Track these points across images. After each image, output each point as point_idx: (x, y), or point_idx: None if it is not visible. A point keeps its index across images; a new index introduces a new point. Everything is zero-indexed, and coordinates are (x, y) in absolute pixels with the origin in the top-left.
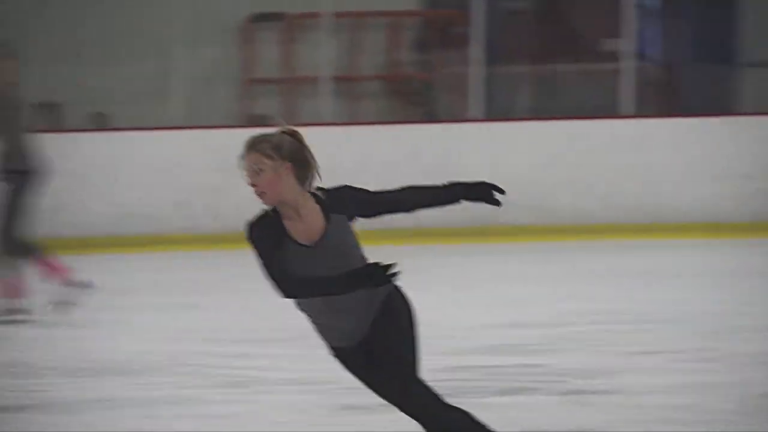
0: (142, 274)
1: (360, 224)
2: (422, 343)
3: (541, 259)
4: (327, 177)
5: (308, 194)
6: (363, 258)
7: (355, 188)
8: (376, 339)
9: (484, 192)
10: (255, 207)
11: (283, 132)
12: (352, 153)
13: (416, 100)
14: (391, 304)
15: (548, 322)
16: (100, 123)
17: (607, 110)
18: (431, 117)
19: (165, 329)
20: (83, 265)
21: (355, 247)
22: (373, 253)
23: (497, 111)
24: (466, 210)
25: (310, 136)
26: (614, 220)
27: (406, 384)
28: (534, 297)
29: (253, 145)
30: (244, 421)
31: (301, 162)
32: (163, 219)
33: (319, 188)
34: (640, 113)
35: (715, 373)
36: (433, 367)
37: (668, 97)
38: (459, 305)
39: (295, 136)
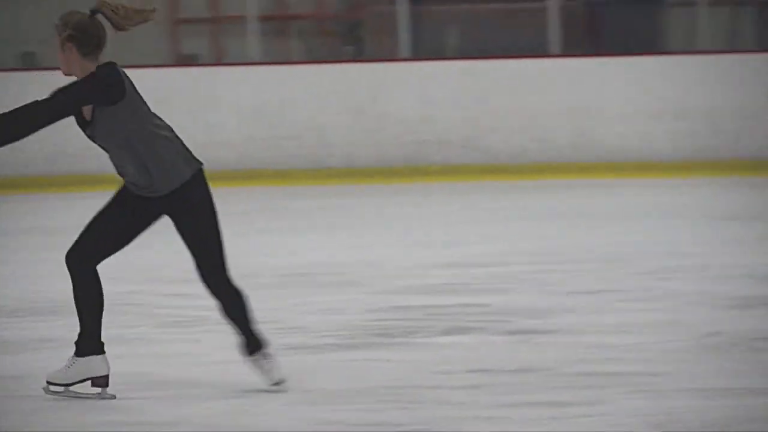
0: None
1: (290, 163)
2: (367, 283)
3: (477, 199)
4: (255, 116)
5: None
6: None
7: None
8: (178, 223)
9: None
10: None
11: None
12: (280, 92)
13: (345, 40)
14: (188, 194)
15: (490, 262)
16: (29, 63)
17: (535, 49)
18: (360, 56)
19: (109, 269)
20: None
21: (132, 130)
22: (307, 191)
23: (425, 50)
24: (400, 148)
25: (238, 75)
26: (548, 159)
27: (211, 270)
28: (473, 237)
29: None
30: (188, 360)
31: (84, 37)
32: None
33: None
34: (567, 52)
35: (656, 312)
36: (378, 307)
37: (594, 36)
38: (399, 246)
39: (101, 9)
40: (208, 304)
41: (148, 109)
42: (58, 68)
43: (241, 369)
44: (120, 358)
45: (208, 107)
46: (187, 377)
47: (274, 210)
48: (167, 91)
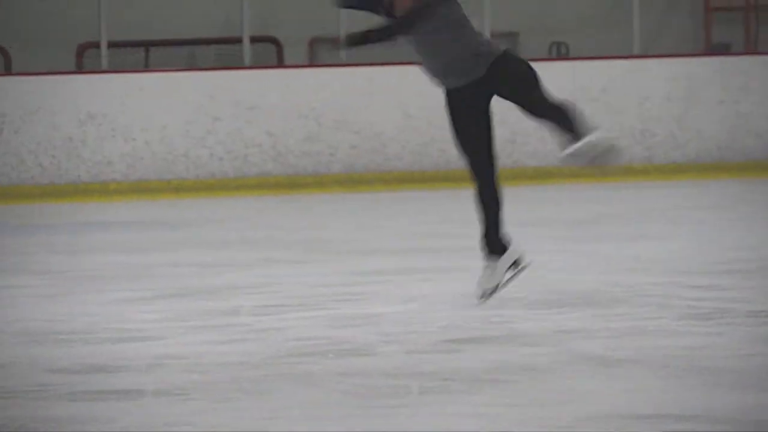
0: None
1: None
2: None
3: None
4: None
5: None
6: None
7: None
8: (503, 89)
9: None
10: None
11: None
12: None
13: None
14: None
15: None
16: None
17: None
18: None
19: (628, 261)
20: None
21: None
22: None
23: None
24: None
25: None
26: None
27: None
28: None
29: None
30: (705, 353)
31: None
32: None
33: None
34: None
35: None
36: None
37: None
38: None
39: None
40: (731, 296)
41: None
42: (588, 58)
43: (762, 361)
44: (642, 349)
45: (740, 97)
46: (706, 367)
47: None
48: (697, 81)
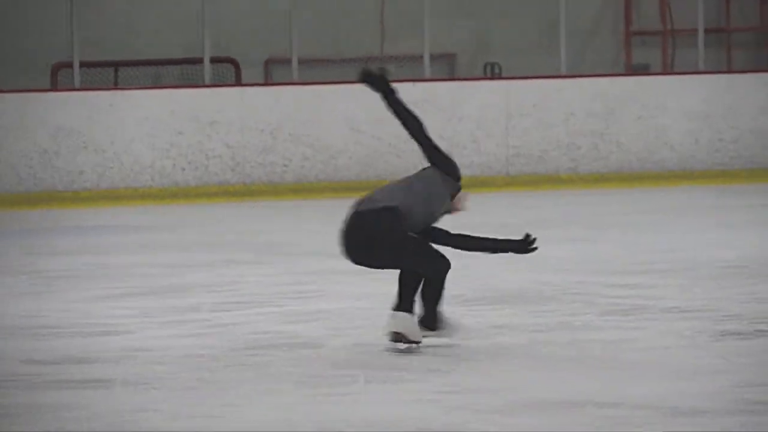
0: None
1: (731, 164)
2: None
3: None
4: (696, 117)
5: None
6: None
7: None
8: None
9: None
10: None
11: None
12: (723, 98)
13: None
14: None
15: None
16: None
17: None
18: None
19: (560, 262)
20: None
21: None
22: (746, 189)
23: None
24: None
25: (686, 84)
26: None
27: None
28: None
29: None
30: (626, 346)
31: None
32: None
33: None
34: None
35: None
36: None
37: None
38: None
39: None
40: (649, 294)
41: None
42: (521, 77)
43: (683, 353)
44: (569, 342)
45: (657, 113)
46: (628, 359)
47: (714, 208)
48: (618, 98)
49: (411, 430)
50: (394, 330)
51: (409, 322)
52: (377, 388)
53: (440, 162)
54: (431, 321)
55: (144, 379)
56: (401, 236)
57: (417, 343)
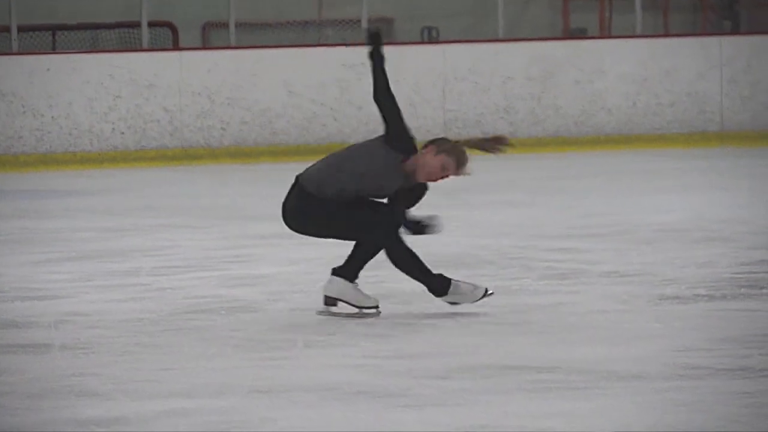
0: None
1: (668, 128)
2: (737, 239)
3: None
4: (633, 81)
5: None
6: None
7: None
8: None
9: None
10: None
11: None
12: (661, 62)
13: (724, 14)
14: None
15: None
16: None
17: None
18: (736, 30)
19: (498, 227)
20: None
21: None
22: (684, 154)
23: None
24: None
25: (623, 46)
26: None
27: None
28: None
29: None
30: (565, 310)
31: None
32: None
33: None
34: None
35: None
36: (746, 261)
37: None
38: None
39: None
40: (587, 258)
41: None
42: (457, 41)
43: (620, 317)
44: (506, 306)
45: (594, 77)
46: (565, 323)
47: (651, 172)
48: (555, 62)
49: (350, 393)
50: (327, 294)
51: (343, 288)
52: (316, 352)
53: (391, 130)
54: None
55: (82, 344)
56: (326, 210)
57: (361, 308)
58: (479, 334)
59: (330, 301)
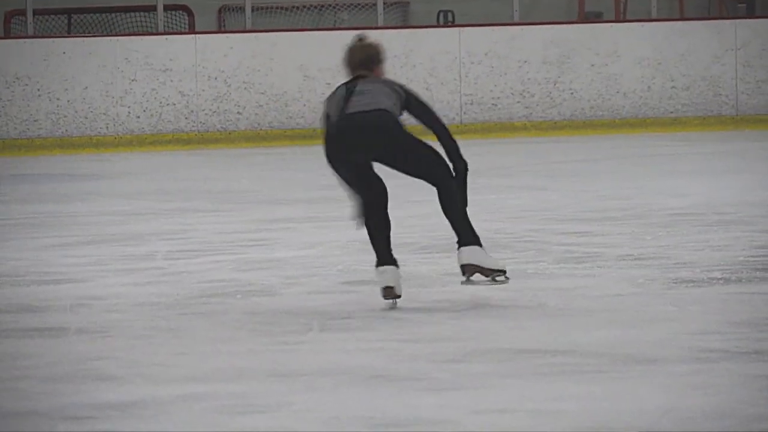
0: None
1: (682, 111)
2: (751, 222)
3: None
4: (649, 65)
5: None
6: None
7: None
8: None
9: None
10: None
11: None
12: (676, 46)
13: None
14: None
15: None
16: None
17: None
18: (751, 13)
19: (513, 210)
20: None
21: None
22: (699, 137)
23: None
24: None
25: (638, 30)
26: None
27: None
28: None
29: None
30: (580, 293)
31: None
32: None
33: None
34: None
35: None
36: (761, 244)
37: None
38: None
39: None
40: (602, 242)
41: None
42: (473, 24)
43: (636, 301)
44: (523, 290)
45: (610, 61)
46: (581, 307)
47: (666, 155)
48: (571, 46)
49: (367, 377)
50: (388, 284)
51: (397, 275)
52: (332, 336)
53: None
54: (468, 237)
55: (99, 328)
56: (409, 136)
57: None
58: (495, 317)
59: (388, 293)
